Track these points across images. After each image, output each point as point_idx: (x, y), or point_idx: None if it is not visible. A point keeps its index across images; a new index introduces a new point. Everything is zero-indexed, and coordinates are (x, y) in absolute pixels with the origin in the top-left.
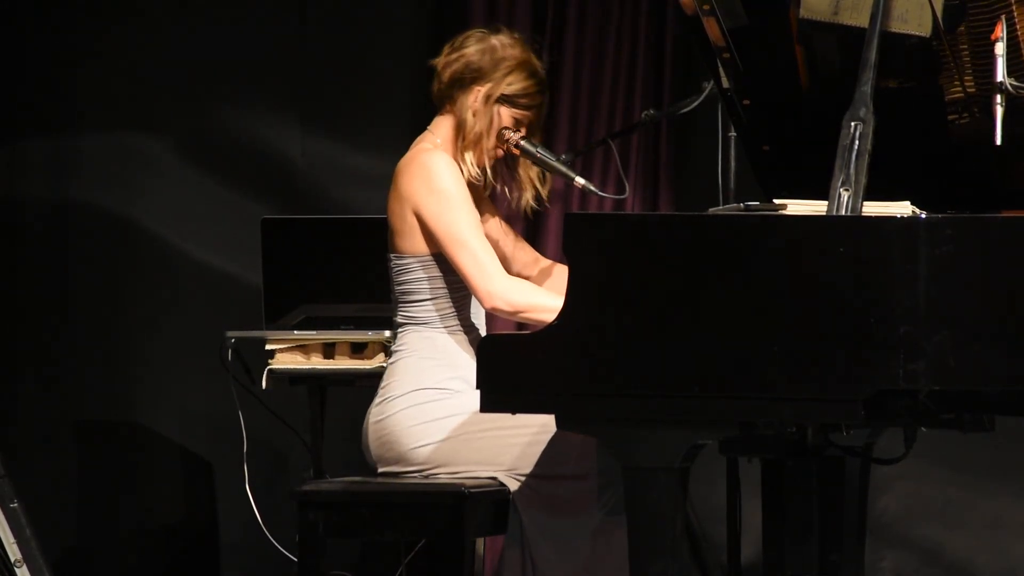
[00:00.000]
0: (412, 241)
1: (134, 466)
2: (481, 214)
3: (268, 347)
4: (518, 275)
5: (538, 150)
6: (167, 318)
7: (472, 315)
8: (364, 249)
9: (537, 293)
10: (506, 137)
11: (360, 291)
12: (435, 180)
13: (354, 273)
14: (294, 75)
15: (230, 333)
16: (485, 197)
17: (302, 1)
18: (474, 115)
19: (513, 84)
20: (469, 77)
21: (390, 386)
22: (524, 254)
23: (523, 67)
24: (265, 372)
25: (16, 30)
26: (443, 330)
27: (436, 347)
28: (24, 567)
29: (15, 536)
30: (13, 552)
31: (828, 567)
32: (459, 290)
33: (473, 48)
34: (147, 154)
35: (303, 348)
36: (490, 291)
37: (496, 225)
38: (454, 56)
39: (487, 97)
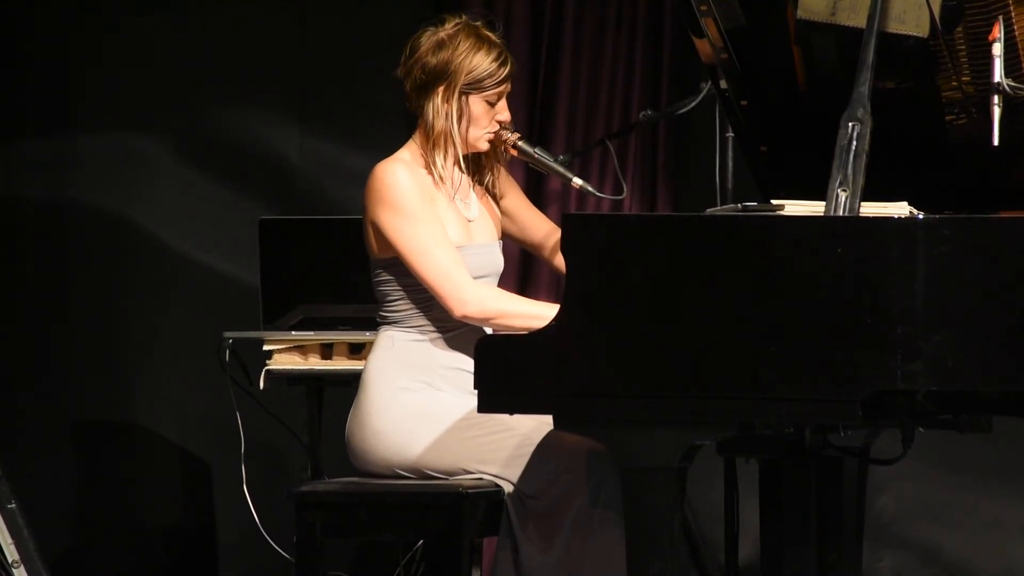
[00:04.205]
0: (373, 245)
1: (131, 466)
2: (502, 192)
3: (266, 348)
4: (533, 245)
5: (536, 150)
6: (165, 318)
7: None
8: (362, 250)
9: (507, 299)
10: (504, 138)
11: (358, 292)
12: (388, 193)
13: (352, 274)
14: (292, 75)
15: (227, 334)
16: (501, 172)
17: (300, 1)
18: (436, 116)
19: (472, 71)
20: (428, 81)
21: (359, 393)
22: (539, 226)
23: (475, 49)
24: (263, 373)
25: (15, 30)
26: (408, 330)
27: (396, 348)
28: (22, 567)
29: (13, 536)
30: (11, 552)
31: (826, 567)
32: (421, 292)
33: (424, 48)
34: (146, 155)
35: (301, 349)
36: (461, 299)
37: (515, 199)
38: (412, 63)
39: (448, 94)
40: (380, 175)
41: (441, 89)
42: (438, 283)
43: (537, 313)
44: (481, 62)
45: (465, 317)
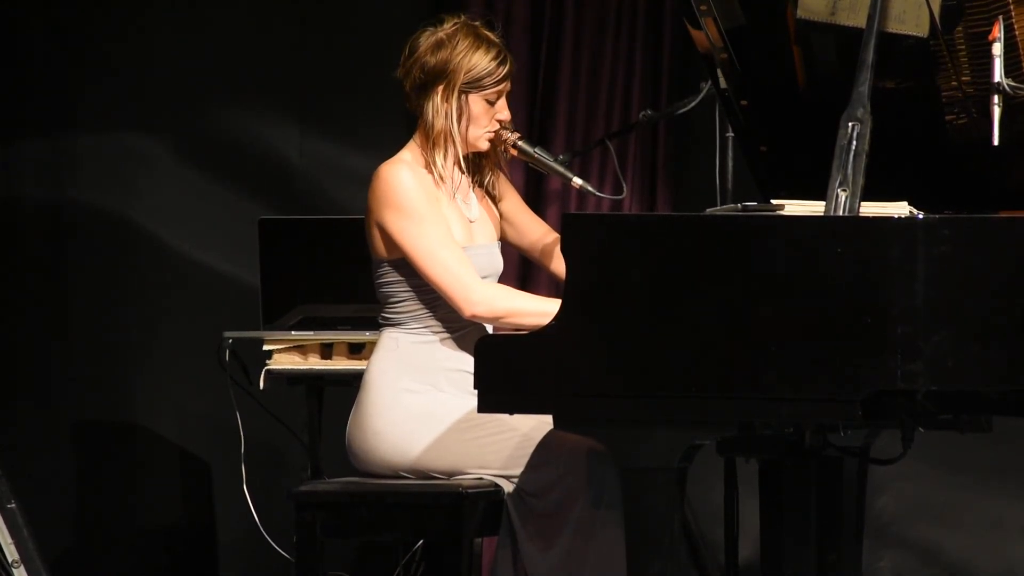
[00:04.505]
0: (378, 246)
1: (131, 466)
2: (500, 195)
3: (265, 347)
4: (529, 248)
5: (535, 150)
6: (165, 318)
7: None
8: (362, 249)
9: (516, 297)
10: (504, 137)
11: (358, 291)
12: (393, 195)
13: (352, 273)
14: (292, 75)
15: (227, 333)
16: (500, 175)
17: (300, 1)
18: (436, 115)
19: (471, 70)
20: (427, 80)
21: (360, 394)
22: (534, 229)
23: (474, 48)
24: (263, 372)
25: (15, 30)
26: (412, 331)
27: (400, 349)
28: (22, 567)
29: (12, 536)
30: (11, 552)
31: (826, 567)
32: (427, 293)
33: (423, 48)
34: (145, 155)
35: (300, 348)
36: (470, 299)
37: (512, 203)
38: (411, 63)
39: (447, 93)
40: (384, 177)
41: (440, 88)
42: (446, 283)
43: (545, 310)
44: (480, 61)
45: (475, 317)
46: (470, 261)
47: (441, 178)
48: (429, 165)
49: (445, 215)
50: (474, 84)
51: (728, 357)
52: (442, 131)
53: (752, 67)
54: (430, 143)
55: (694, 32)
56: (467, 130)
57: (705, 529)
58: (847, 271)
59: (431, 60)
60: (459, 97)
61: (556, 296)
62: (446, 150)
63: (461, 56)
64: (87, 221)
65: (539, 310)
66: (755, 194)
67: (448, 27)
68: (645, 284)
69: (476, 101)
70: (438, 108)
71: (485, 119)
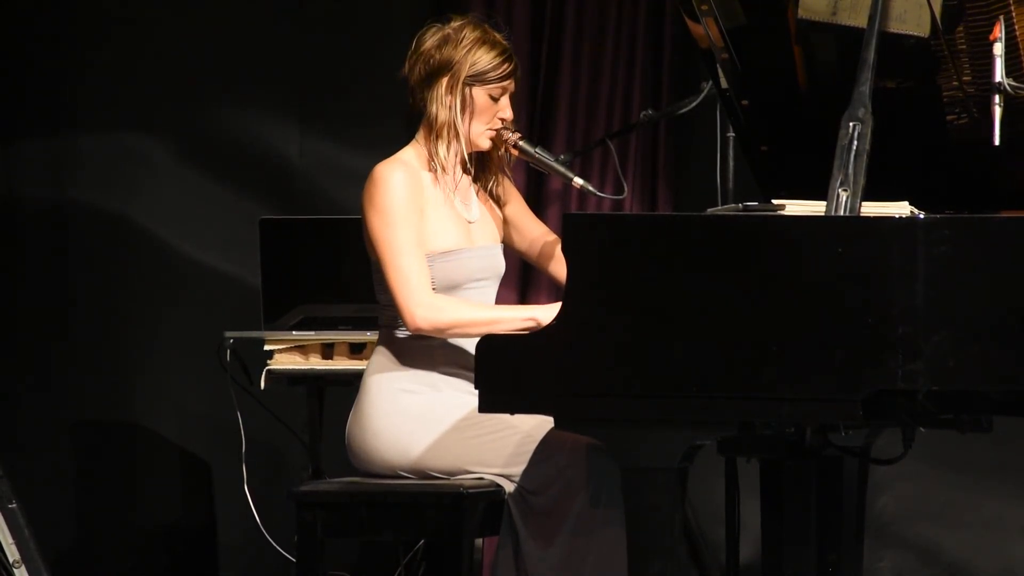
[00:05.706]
0: (371, 246)
1: (132, 466)
2: (505, 199)
3: (266, 347)
4: (528, 251)
5: (536, 150)
6: (165, 318)
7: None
8: (362, 249)
9: (461, 308)
10: (504, 137)
11: (358, 291)
12: (377, 195)
13: (352, 273)
14: (292, 75)
15: (228, 333)
16: (504, 178)
17: (301, 1)
18: (440, 107)
19: (476, 63)
20: (432, 73)
21: (359, 394)
22: (534, 231)
23: (480, 43)
24: (263, 372)
25: (16, 30)
26: (409, 332)
27: (397, 349)
28: (23, 567)
29: (14, 536)
30: (12, 552)
31: (826, 567)
32: None
33: (429, 43)
34: (146, 154)
35: (301, 348)
36: (413, 312)
37: (517, 207)
38: (415, 58)
39: (452, 84)
40: (375, 176)
41: (444, 80)
42: (397, 290)
43: (496, 318)
44: (484, 56)
45: (418, 330)
46: (428, 275)
47: (443, 168)
48: (430, 160)
49: (422, 225)
50: (478, 78)
51: (728, 357)
52: (445, 123)
53: (753, 67)
54: (433, 135)
55: (693, 26)
56: (469, 124)
57: (706, 529)
58: (847, 271)
59: (436, 55)
60: (463, 90)
61: (556, 301)
62: (449, 142)
63: (466, 50)
64: (87, 221)
65: (488, 319)
66: (755, 194)
67: (455, 24)
68: (645, 283)
69: (479, 95)
70: (442, 99)
71: (487, 115)
